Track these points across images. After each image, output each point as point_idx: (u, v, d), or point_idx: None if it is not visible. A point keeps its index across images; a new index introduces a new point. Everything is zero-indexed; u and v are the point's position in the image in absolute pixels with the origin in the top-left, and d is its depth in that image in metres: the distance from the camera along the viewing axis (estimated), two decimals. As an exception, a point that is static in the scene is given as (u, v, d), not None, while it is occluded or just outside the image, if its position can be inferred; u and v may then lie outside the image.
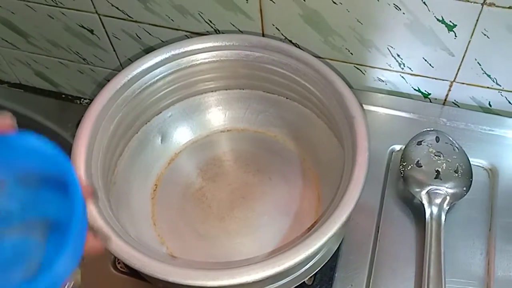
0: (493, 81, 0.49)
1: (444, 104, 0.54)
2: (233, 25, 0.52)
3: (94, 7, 0.54)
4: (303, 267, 0.40)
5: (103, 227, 0.36)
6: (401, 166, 0.47)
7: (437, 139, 0.48)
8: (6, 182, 0.27)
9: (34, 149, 0.27)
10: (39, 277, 0.24)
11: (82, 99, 0.69)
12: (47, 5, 0.56)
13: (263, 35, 0.52)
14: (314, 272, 0.42)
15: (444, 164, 0.46)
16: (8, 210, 0.27)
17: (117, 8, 0.54)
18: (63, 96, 0.70)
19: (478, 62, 0.48)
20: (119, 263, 0.46)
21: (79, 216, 0.25)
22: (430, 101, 0.54)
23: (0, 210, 0.27)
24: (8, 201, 0.27)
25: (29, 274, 0.25)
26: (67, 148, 0.40)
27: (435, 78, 0.51)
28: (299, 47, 0.52)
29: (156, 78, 0.46)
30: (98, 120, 0.41)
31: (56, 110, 0.70)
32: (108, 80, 0.44)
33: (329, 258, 0.43)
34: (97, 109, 0.41)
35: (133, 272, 0.44)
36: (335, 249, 0.43)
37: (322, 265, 0.42)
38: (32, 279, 0.24)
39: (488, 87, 0.50)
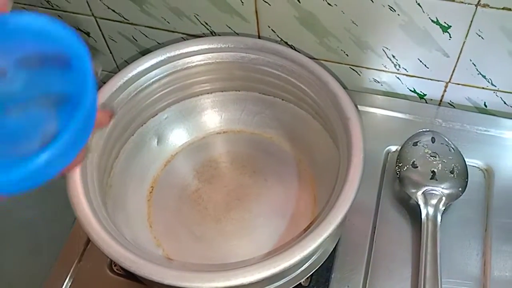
0: (488, 82, 0.50)
1: (439, 104, 0.54)
2: (229, 27, 0.52)
3: (90, 10, 0.55)
4: (299, 268, 0.40)
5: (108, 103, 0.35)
6: (397, 167, 0.47)
7: (433, 140, 0.48)
8: (7, 67, 0.26)
9: (34, 28, 0.26)
10: (53, 144, 0.24)
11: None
12: (43, 7, 0.56)
13: (259, 37, 0.52)
14: (311, 273, 0.42)
15: (440, 164, 0.47)
16: (14, 91, 0.26)
17: (113, 10, 0.54)
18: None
19: (473, 63, 0.48)
20: (115, 265, 0.46)
21: (90, 85, 0.25)
22: (426, 102, 0.54)
23: (5, 91, 0.26)
24: (12, 84, 0.26)
25: (45, 143, 0.25)
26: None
27: (431, 79, 0.51)
28: (294, 49, 0.52)
29: (151, 80, 0.46)
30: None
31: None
32: (105, 82, 0.44)
33: (325, 259, 0.43)
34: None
35: (129, 274, 0.44)
36: (331, 250, 0.43)
37: (318, 266, 0.42)
38: (47, 146, 0.24)
39: (483, 88, 0.51)
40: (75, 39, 0.26)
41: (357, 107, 0.42)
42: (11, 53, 0.26)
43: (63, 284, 0.46)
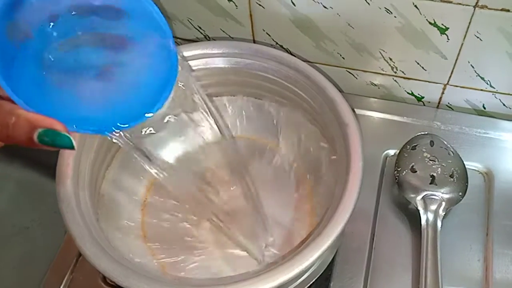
0: (487, 84, 0.49)
1: (438, 107, 0.53)
2: (223, 31, 0.51)
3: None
4: (298, 279, 0.39)
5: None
6: (395, 172, 0.47)
7: (432, 143, 0.47)
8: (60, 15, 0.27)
9: None
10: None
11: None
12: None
13: (254, 41, 0.51)
14: (309, 284, 0.41)
15: (439, 168, 0.46)
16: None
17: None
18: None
19: (471, 65, 0.47)
20: (109, 277, 0.45)
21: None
22: (424, 105, 0.54)
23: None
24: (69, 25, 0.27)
25: None
26: (55, 158, 0.39)
27: (428, 81, 0.51)
28: (290, 53, 0.51)
29: (144, 87, 0.45)
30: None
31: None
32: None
33: (324, 268, 0.42)
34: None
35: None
36: (330, 259, 0.43)
37: (317, 276, 0.41)
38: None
39: (482, 90, 0.50)
40: None
41: (354, 111, 0.41)
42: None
43: (56, 297, 0.45)
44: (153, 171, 0.40)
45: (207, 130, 0.50)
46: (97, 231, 0.37)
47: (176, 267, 0.43)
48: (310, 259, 0.34)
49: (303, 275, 0.39)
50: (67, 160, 0.39)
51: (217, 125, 0.46)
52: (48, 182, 0.41)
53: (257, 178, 0.48)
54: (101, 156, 0.44)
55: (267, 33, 0.50)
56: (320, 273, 0.41)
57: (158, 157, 0.49)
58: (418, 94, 0.53)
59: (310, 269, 0.39)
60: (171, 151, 0.50)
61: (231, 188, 0.48)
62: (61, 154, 0.39)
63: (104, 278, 0.45)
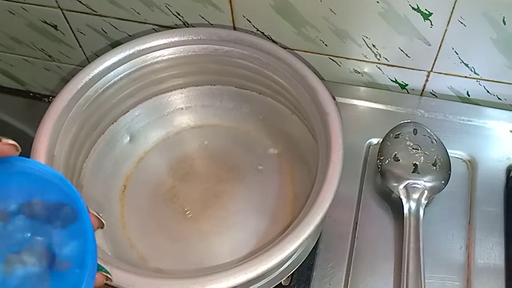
0: (471, 70, 0.49)
1: (421, 95, 0.53)
2: (203, 18, 0.50)
3: (56, 2, 0.52)
4: (279, 269, 0.38)
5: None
6: (378, 161, 0.46)
7: (415, 132, 0.47)
8: (8, 211, 0.26)
9: (36, 176, 0.26)
10: None
11: (51, 97, 0.67)
12: (7, 0, 0.53)
13: (234, 27, 0.50)
14: (291, 273, 0.41)
15: (422, 157, 0.45)
16: (13, 239, 0.26)
17: (80, 2, 0.51)
18: (31, 94, 0.68)
19: (455, 51, 0.47)
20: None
21: (92, 254, 0.25)
22: (408, 92, 0.53)
23: (6, 238, 0.26)
24: (13, 231, 0.26)
25: None
26: (28, 152, 0.38)
27: (412, 69, 0.50)
28: (271, 40, 0.50)
29: (120, 76, 0.44)
30: (58, 122, 0.40)
31: (24, 109, 0.67)
32: (73, 76, 0.42)
33: (305, 257, 0.42)
34: (56, 111, 0.39)
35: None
36: (312, 247, 0.42)
37: (298, 265, 0.41)
38: None
39: (466, 77, 0.49)
40: (77, 196, 0.26)
41: (335, 100, 0.40)
42: (12, 198, 0.26)
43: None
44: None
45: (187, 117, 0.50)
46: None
47: (156, 257, 0.43)
48: (290, 248, 0.34)
49: (284, 264, 0.38)
50: (39, 154, 0.38)
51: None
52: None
53: (239, 166, 0.48)
54: (77, 147, 0.43)
55: (247, 20, 0.49)
56: (302, 262, 0.41)
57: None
58: (402, 82, 0.52)
59: (291, 258, 0.39)
60: (151, 136, 0.49)
61: (210, 177, 0.47)
62: (33, 148, 0.38)
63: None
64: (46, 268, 0.26)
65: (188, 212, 0.45)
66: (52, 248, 0.26)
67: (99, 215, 0.27)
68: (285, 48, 0.47)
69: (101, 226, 0.28)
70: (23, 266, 0.25)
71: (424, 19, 0.44)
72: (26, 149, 0.35)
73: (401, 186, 0.44)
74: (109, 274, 0.30)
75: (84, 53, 0.59)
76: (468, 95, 0.52)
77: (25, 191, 0.26)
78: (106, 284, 0.33)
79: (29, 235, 0.26)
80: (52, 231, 0.26)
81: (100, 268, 0.28)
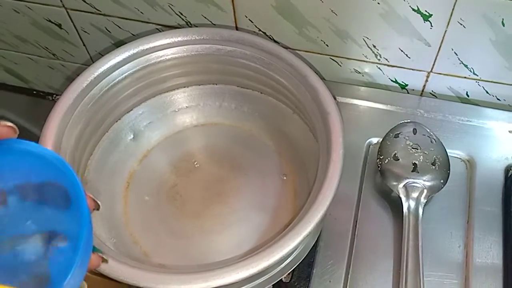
0: (470, 71, 0.49)
1: (421, 95, 0.53)
2: (205, 18, 0.50)
3: (61, 1, 0.53)
4: (279, 265, 0.39)
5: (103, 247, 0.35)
6: (378, 160, 0.47)
7: (414, 131, 0.47)
8: (5, 192, 0.26)
9: (37, 156, 0.26)
10: None
11: (54, 95, 0.67)
12: (12, -1, 0.54)
13: (237, 27, 0.50)
14: (291, 270, 0.42)
15: (421, 156, 0.46)
16: (8, 222, 0.26)
17: (84, 1, 0.52)
18: (35, 92, 0.69)
19: (455, 52, 0.47)
20: (92, 265, 0.45)
21: (87, 230, 0.25)
22: (408, 92, 0.54)
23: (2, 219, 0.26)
24: (8, 213, 0.26)
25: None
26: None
27: (412, 69, 0.51)
28: (273, 40, 0.51)
29: (124, 75, 0.44)
30: (64, 120, 0.40)
31: (28, 107, 0.68)
32: (78, 75, 0.42)
33: (306, 254, 0.42)
34: (62, 109, 0.40)
35: (106, 274, 0.43)
36: (312, 244, 0.43)
37: (299, 262, 0.42)
38: None
39: (465, 77, 0.50)
40: (73, 177, 0.26)
41: (336, 99, 0.41)
42: (12, 178, 0.26)
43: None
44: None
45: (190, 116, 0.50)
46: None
47: (159, 253, 0.44)
48: (290, 245, 0.34)
49: (284, 261, 0.39)
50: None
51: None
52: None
53: (240, 165, 0.48)
54: (82, 144, 0.43)
55: (249, 20, 0.49)
56: (302, 259, 0.42)
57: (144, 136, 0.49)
58: (402, 82, 0.53)
59: (292, 255, 0.39)
60: (154, 135, 0.50)
61: (212, 175, 0.48)
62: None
63: (87, 267, 0.45)
64: (44, 247, 0.26)
65: (190, 209, 0.46)
66: (49, 227, 0.26)
67: (95, 198, 0.28)
68: (286, 48, 0.47)
69: (97, 207, 0.28)
70: (22, 247, 0.26)
71: (424, 20, 0.45)
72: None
73: (401, 185, 0.45)
74: (105, 256, 0.30)
75: (88, 52, 0.59)
76: (468, 96, 0.52)
77: (22, 172, 0.26)
78: (108, 277, 0.34)
79: (26, 215, 0.26)
80: (49, 211, 0.26)
81: (95, 250, 0.29)
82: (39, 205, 0.26)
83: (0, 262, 0.25)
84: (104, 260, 0.30)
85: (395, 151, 0.46)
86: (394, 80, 0.53)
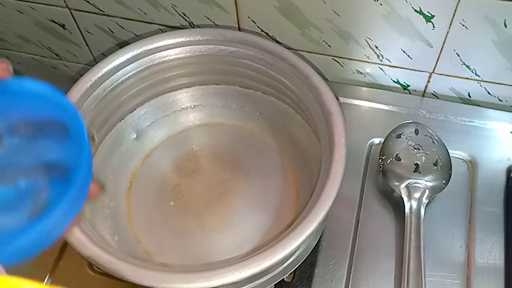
0: (472, 72, 0.49)
1: (423, 95, 0.53)
2: (208, 18, 0.50)
3: (64, 1, 0.53)
4: (282, 265, 0.39)
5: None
6: (380, 160, 0.47)
7: (416, 132, 0.47)
8: (2, 131, 0.26)
9: (33, 94, 0.26)
10: (45, 216, 0.24)
11: (57, 95, 0.67)
12: (16, -1, 0.54)
13: (239, 28, 0.51)
14: (293, 269, 0.42)
15: (423, 157, 0.46)
16: (6, 158, 0.26)
17: (88, 1, 0.52)
18: (38, 92, 0.69)
19: (457, 53, 0.48)
20: (95, 263, 0.45)
21: (86, 158, 0.25)
22: (410, 93, 0.54)
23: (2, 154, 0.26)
24: (5, 150, 0.26)
25: (35, 214, 0.25)
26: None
27: (414, 70, 0.51)
28: (276, 40, 0.51)
29: (128, 75, 0.44)
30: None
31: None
32: (81, 75, 0.43)
33: (308, 254, 0.42)
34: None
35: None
36: (314, 244, 0.43)
37: (301, 261, 0.42)
38: (38, 218, 0.24)
39: (467, 78, 0.50)
40: (72, 109, 0.26)
41: (338, 100, 0.41)
42: (7, 118, 0.26)
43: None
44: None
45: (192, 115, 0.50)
46: (82, 219, 0.37)
47: (162, 253, 0.44)
48: (293, 245, 0.34)
49: (287, 261, 0.39)
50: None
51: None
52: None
53: (242, 164, 0.48)
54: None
55: (252, 20, 0.49)
56: (304, 259, 0.42)
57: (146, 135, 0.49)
58: (404, 83, 0.53)
59: (294, 255, 0.39)
60: (157, 134, 0.50)
61: (215, 175, 0.48)
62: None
63: (91, 265, 0.45)
64: (44, 178, 0.26)
65: (192, 209, 0.46)
66: (48, 159, 0.26)
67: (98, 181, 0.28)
68: (289, 48, 0.48)
69: (103, 188, 0.28)
70: (22, 180, 0.26)
71: (426, 21, 0.45)
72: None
73: (403, 185, 0.45)
74: (103, 186, 0.30)
75: (91, 52, 0.59)
76: (469, 96, 0.52)
77: (18, 111, 0.26)
78: (111, 276, 0.34)
79: (24, 150, 0.26)
80: (47, 144, 0.27)
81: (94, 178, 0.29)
82: (37, 139, 0.27)
83: (0, 195, 0.26)
84: (102, 188, 0.30)
85: (397, 152, 0.47)
86: (396, 80, 0.53)
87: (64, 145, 0.26)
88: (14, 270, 0.53)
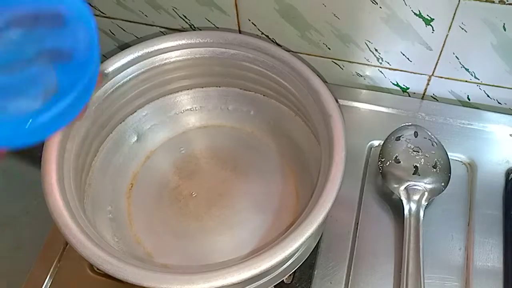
0: (471, 75, 0.49)
1: (422, 98, 0.54)
2: (209, 21, 0.51)
3: (66, 3, 0.53)
4: (281, 266, 0.39)
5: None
6: (379, 162, 0.47)
7: (416, 134, 0.48)
8: (1, 25, 0.27)
9: None
10: (62, 98, 0.25)
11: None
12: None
13: (240, 31, 0.51)
14: (293, 271, 0.42)
15: (423, 159, 0.46)
16: (9, 49, 0.27)
17: (89, 3, 0.52)
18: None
19: (456, 56, 0.48)
20: (96, 265, 0.45)
21: (96, 40, 0.27)
22: (409, 96, 0.54)
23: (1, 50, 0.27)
24: (7, 42, 0.27)
25: (49, 99, 0.26)
26: (40, 150, 0.39)
27: (414, 73, 0.51)
28: (276, 43, 0.51)
29: (129, 77, 0.45)
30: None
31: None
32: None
33: (307, 256, 0.42)
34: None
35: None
36: (314, 246, 0.43)
37: (300, 263, 0.42)
38: (56, 100, 0.25)
39: (466, 81, 0.50)
40: None
41: (338, 102, 0.41)
42: (5, 11, 0.27)
43: (43, 285, 0.45)
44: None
45: (193, 117, 0.51)
46: (82, 220, 0.37)
47: (162, 254, 0.44)
48: (292, 247, 0.34)
49: (286, 262, 0.39)
50: (51, 153, 0.39)
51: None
52: (35, 171, 0.41)
53: (242, 166, 0.48)
54: (86, 146, 0.44)
55: (252, 23, 0.50)
56: (303, 260, 0.42)
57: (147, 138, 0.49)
58: (403, 85, 0.53)
59: (294, 256, 0.40)
60: (157, 136, 0.50)
61: (215, 177, 0.48)
62: (45, 148, 0.39)
63: (92, 266, 0.45)
64: (50, 65, 0.27)
65: (193, 210, 0.46)
66: (50, 46, 0.27)
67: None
68: (289, 51, 0.48)
69: (105, 75, 0.29)
70: (29, 68, 0.27)
71: (425, 24, 0.45)
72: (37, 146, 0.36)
73: (402, 188, 0.45)
74: (105, 73, 0.31)
75: (92, 54, 0.60)
76: (469, 99, 0.52)
77: (17, 4, 0.27)
78: (112, 277, 0.35)
79: (27, 39, 0.27)
80: (46, 32, 0.27)
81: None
82: (36, 29, 0.27)
83: (9, 83, 0.26)
84: (104, 75, 0.31)
85: (397, 154, 0.47)
86: (395, 83, 0.53)
87: (69, 33, 0.27)
88: (14, 270, 0.53)
